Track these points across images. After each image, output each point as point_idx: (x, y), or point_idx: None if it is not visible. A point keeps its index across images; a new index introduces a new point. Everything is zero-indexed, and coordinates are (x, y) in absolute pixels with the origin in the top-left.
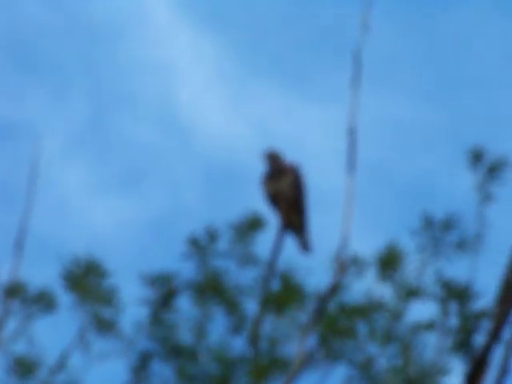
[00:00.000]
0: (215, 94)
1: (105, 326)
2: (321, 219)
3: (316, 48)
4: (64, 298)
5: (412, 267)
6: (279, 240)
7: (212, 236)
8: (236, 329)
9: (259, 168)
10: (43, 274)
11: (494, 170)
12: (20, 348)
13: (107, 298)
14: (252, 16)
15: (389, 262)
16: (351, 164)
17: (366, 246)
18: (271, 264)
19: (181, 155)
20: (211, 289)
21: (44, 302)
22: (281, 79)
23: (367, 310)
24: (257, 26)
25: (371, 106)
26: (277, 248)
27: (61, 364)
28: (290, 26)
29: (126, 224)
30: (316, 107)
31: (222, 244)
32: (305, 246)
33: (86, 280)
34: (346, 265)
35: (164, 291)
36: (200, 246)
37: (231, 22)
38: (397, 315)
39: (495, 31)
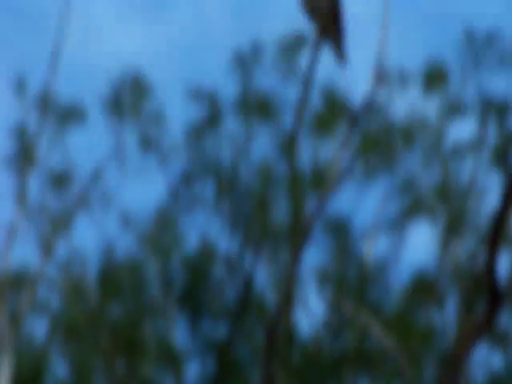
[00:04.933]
0: None
1: (148, 143)
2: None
3: None
4: (99, 115)
5: (454, 83)
6: (316, 53)
7: (256, 51)
8: (279, 147)
9: None
10: (74, 93)
11: None
12: (56, 162)
13: (152, 113)
14: None
15: (432, 77)
16: None
17: (409, 61)
18: (308, 77)
19: None
20: (256, 105)
21: (77, 114)
22: None
23: (409, 126)
24: None
25: None
26: (313, 60)
27: (95, 177)
28: None
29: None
30: None
31: (266, 61)
32: (341, 56)
33: (133, 94)
34: (383, 75)
35: (209, 108)
36: (244, 61)
37: None
38: (439, 132)
39: None
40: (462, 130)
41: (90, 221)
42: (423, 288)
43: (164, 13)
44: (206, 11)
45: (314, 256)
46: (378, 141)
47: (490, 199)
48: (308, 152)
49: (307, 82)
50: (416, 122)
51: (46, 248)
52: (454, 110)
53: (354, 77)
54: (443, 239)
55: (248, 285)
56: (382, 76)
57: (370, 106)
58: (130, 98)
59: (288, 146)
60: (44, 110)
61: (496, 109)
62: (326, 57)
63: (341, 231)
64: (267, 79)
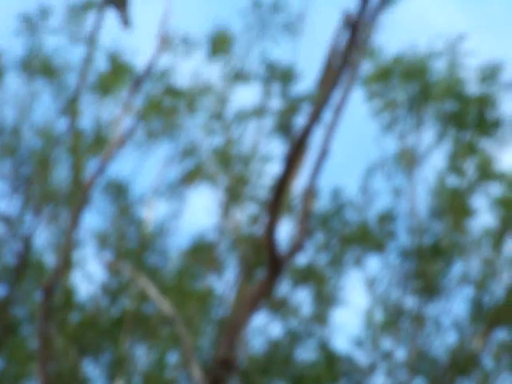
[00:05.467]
0: None
1: None
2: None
3: None
4: None
5: (239, 49)
6: (100, 14)
7: (44, 13)
8: (62, 108)
9: None
10: None
11: None
12: None
13: None
14: None
15: (217, 42)
16: None
17: (195, 27)
18: (92, 39)
19: None
20: (40, 67)
21: None
22: None
23: (192, 91)
24: None
25: None
26: (98, 23)
27: None
28: None
29: None
30: None
31: (54, 22)
32: (126, 21)
33: None
34: (167, 39)
35: None
36: (31, 22)
37: None
38: (222, 97)
39: None
40: (246, 96)
41: None
42: (203, 253)
43: None
44: None
45: (94, 219)
46: (161, 105)
47: (272, 166)
48: (91, 114)
49: (91, 44)
50: (200, 87)
51: None
52: (237, 76)
53: (139, 41)
54: (224, 205)
55: (27, 246)
56: (165, 41)
57: (153, 70)
58: None
59: (70, 107)
60: None
61: (280, 76)
62: (113, 21)
63: (121, 195)
64: (53, 41)
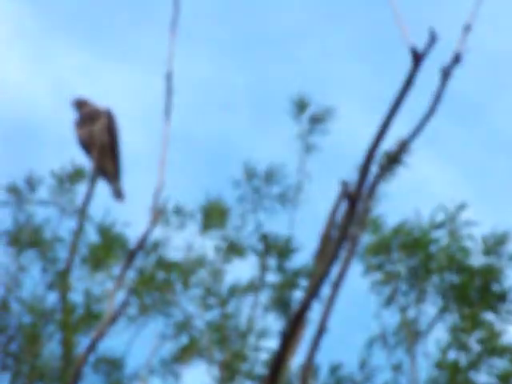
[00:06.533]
0: (13, 51)
1: None
2: (136, 176)
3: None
4: None
5: (233, 220)
6: (91, 187)
7: (31, 184)
8: (51, 282)
9: (58, 126)
10: None
11: (317, 121)
12: None
13: None
14: None
15: (210, 214)
16: (167, 109)
17: (189, 198)
18: (83, 211)
19: None
20: (29, 239)
21: None
22: (80, 36)
23: (186, 264)
24: None
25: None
26: (89, 195)
27: None
28: None
29: None
30: (116, 65)
31: (43, 193)
32: (118, 193)
33: None
34: (160, 212)
35: None
36: (19, 193)
37: None
38: (216, 271)
39: None
40: (241, 269)
41: None
42: None
43: None
44: None
45: None
46: (154, 279)
47: (269, 341)
48: (81, 287)
49: (82, 215)
50: (193, 260)
51: None
52: (232, 249)
53: (130, 212)
54: (220, 381)
55: None
56: (158, 213)
57: (146, 243)
58: None
59: (60, 281)
60: None
61: (275, 249)
62: (104, 192)
63: (113, 371)
64: (42, 212)
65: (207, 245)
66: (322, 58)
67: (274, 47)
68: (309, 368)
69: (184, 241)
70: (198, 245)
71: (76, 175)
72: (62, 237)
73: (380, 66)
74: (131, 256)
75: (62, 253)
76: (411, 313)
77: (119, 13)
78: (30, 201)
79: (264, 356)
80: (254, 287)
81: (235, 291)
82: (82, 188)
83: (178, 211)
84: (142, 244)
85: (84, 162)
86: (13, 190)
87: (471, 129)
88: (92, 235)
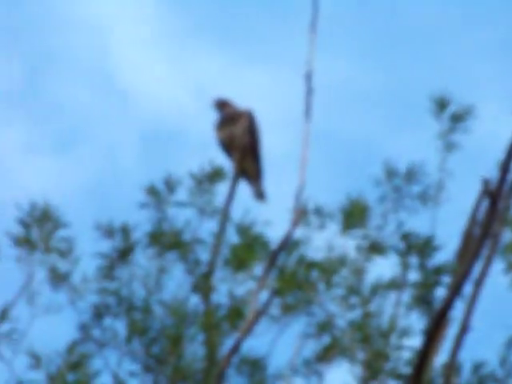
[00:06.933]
0: (154, 53)
1: (58, 278)
2: (276, 177)
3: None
4: (9, 249)
5: (374, 219)
6: (233, 188)
7: (170, 186)
8: (193, 284)
9: (199, 128)
10: None
11: (458, 119)
12: None
13: (62, 248)
14: None
15: (351, 214)
16: (307, 109)
17: (329, 198)
18: (225, 213)
19: (118, 116)
20: (170, 241)
21: None
22: (222, 37)
23: (327, 263)
24: None
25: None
26: (231, 195)
27: (3, 315)
28: None
29: (63, 186)
30: (258, 66)
31: (181, 195)
32: (259, 194)
33: (41, 228)
34: (302, 212)
35: (122, 244)
36: (158, 195)
37: None
38: (358, 270)
39: None
40: (383, 268)
41: None
42: None
43: (73, 147)
44: (115, 147)
45: None
46: (296, 278)
47: (412, 340)
48: (223, 288)
49: (224, 217)
50: (335, 259)
51: None
52: (373, 248)
53: (269, 212)
54: (363, 381)
55: None
56: (301, 213)
57: (289, 243)
58: (39, 233)
59: (203, 283)
60: None
61: (417, 247)
62: (245, 192)
63: (256, 371)
64: (182, 213)
65: (348, 244)
66: (460, 57)
67: (412, 46)
68: (452, 366)
69: (325, 241)
70: (338, 244)
71: (215, 176)
72: (202, 238)
73: None
74: (274, 256)
75: (203, 254)
76: None
77: (260, 13)
78: (170, 202)
79: (406, 355)
80: (395, 285)
81: (377, 289)
82: (220, 189)
83: (318, 211)
84: (284, 244)
85: (224, 162)
86: (152, 192)
87: None
88: (233, 236)
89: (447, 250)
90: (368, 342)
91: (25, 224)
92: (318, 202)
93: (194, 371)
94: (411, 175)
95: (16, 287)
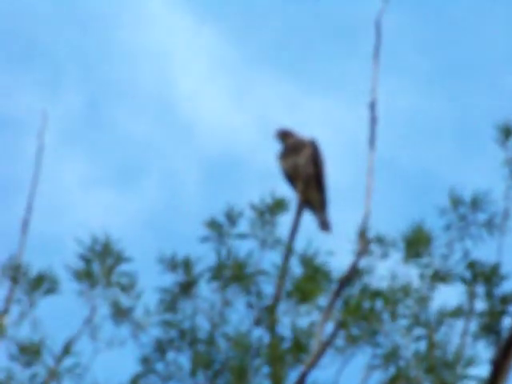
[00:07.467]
0: (215, 84)
1: (121, 312)
2: (339, 211)
3: (316, 34)
4: (70, 284)
5: (439, 248)
6: (297, 219)
7: (232, 218)
8: (257, 316)
9: (261, 159)
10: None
11: None
12: (24, 333)
13: (124, 282)
14: (251, 1)
15: (415, 242)
16: (372, 139)
17: (392, 226)
18: (289, 243)
19: (179, 148)
20: (232, 274)
21: (47, 283)
22: (282, 67)
23: (391, 293)
24: (256, 11)
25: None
26: (295, 227)
27: (67, 350)
28: (289, 12)
29: (124, 218)
30: (319, 96)
31: (243, 226)
32: (324, 224)
33: (104, 263)
34: (368, 242)
35: (184, 277)
36: (219, 228)
37: (230, 8)
38: (423, 299)
39: (500, 14)
40: (448, 297)
41: None
42: None
43: (134, 180)
44: (176, 179)
45: None
46: (361, 308)
47: (478, 370)
48: (287, 320)
49: (288, 248)
50: (399, 289)
51: None
52: (437, 277)
53: (335, 243)
54: None
55: None
56: (367, 242)
57: (355, 274)
58: (101, 267)
59: (268, 315)
60: (13, 281)
61: (484, 276)
62: (308, 223)
63: None
64: (243, 245)
65: (411, 273)
66: None
67: (477, 75)
68: None
69: (387, 270)
70: (402, 273)
71: (276, 207)
72: (264, 270)
73: None
74: (340, 287)
75: (266, 286)
76: None
77: (321, 43)
78: (231, 235)
79: None
80: (461, 313)
81: (443, 318)
82: (283, 219)
83: (381, 240)
84: (351, 274)
85: (287, 193)
86: (213, 225)
87: None
88: (295, 267)
89: None
90: (434, 373)
91: (86, 258)
92: (381, 231)
93: None
94: (477, 203)
95: (78, 322)
